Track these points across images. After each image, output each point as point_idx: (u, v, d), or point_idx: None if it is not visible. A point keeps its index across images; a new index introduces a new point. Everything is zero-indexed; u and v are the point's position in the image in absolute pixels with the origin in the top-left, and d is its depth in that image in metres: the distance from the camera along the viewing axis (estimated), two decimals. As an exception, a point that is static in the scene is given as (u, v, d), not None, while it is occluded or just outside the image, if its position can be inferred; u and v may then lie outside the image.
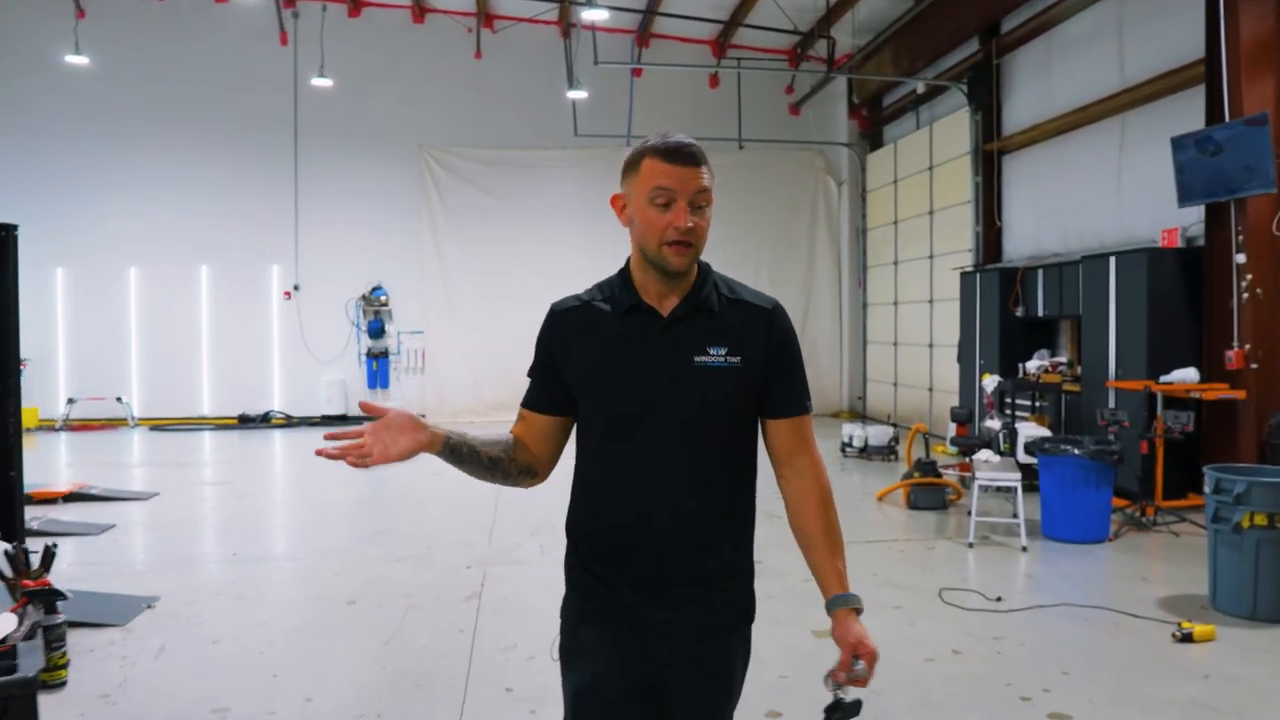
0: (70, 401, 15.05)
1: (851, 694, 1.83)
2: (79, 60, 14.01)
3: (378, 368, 15.73)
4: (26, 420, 14.66)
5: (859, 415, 15.64)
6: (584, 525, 1.95)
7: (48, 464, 11.56)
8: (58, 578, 5.85)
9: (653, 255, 1.84)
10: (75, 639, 4.80)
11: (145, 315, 15.52)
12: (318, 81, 14.59)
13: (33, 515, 7.63)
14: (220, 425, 15.04)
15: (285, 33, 15.31)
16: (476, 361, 15.58)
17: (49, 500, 8.51)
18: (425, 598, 5.43)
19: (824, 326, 16.36)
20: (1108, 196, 9.62)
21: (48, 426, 14.83)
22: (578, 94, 14.40)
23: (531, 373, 2.02)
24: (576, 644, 1.93)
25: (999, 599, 5.36)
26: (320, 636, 4.83)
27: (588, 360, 1.91)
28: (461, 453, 1.89)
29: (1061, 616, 5.12)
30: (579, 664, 1.92)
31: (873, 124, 15.48)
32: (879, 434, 10.91)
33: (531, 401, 2.01)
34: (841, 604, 1.88)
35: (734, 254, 16.06)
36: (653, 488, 1.85)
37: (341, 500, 8.66)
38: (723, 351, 1.85)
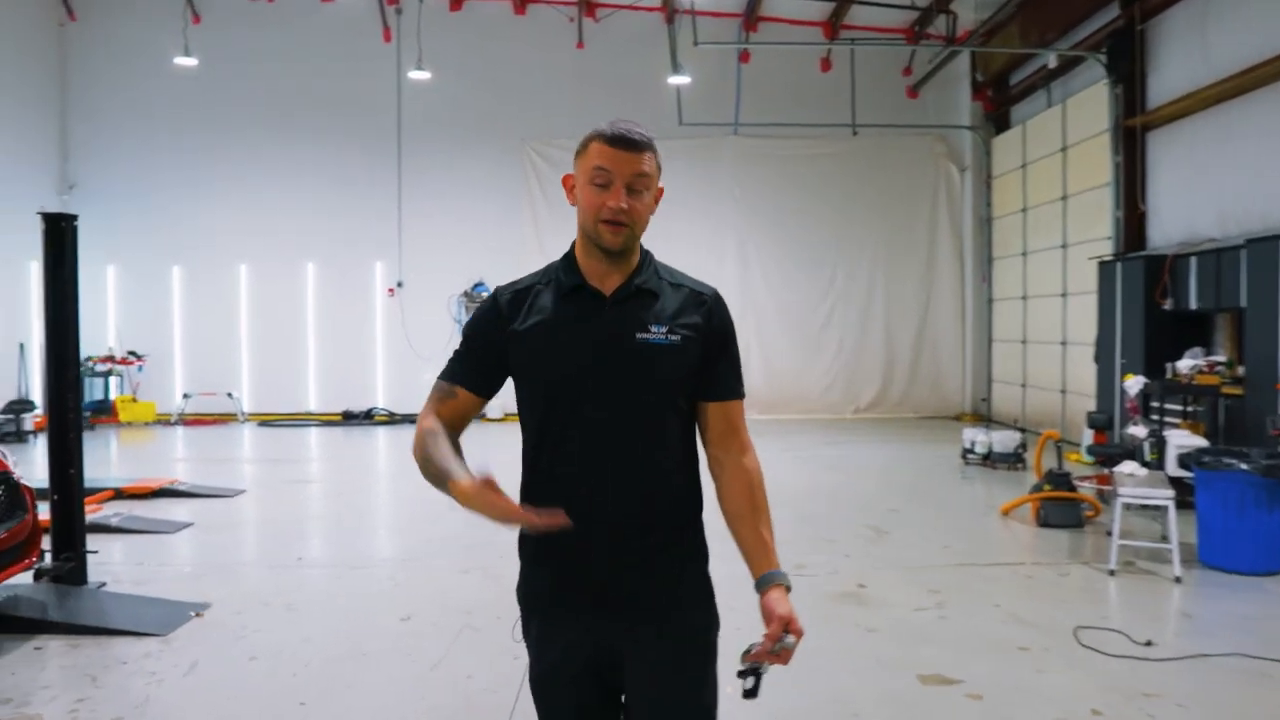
0: (185, 396, 15.39)
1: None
2: (188, 62, 14.28)
3: (479, 365, 15.48)
4: (144, 414, 15.09)
5: (983, 419, 14.53)
6: (533, 503, 1.82)
7: (156, 457, 11.72)
8: (122, 580, 5.68)
9: (591, 233, 1.90)
10: (114, 649, 4.52)
11: (254, 312, 15.75)
12: (415, 74, 14.46)
13: (115, 511, 7.57)
14: (325, 421, 15.11)
15: (389, 29, 15.26)
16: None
17: (141, 495, 8.47)
18: (484, 617, 4.93)
19: (945, 324, 15.30)
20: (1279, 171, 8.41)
21: (164, 421, 15.19)
22: (680, 80, 13.80)
23: (461, 351, 2.01)
24: (532, 626, 1.97)
25: (1149, 644, 4.48)
26: (362, 659, 4.38)
27: (533, 338, 1.91)
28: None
29: (1233, 671, 4.21)
30: (536, 648, 1.96)
31: (999, 104, 14.34)
32: (1005, 440, 9.92)
33: (463, 378, 1.99)
34: (770, 581, 1.89)
35: (848, 247, 15.21)
36: (597, 461, 1.88)
37: (428, 501, 8.29)
38: (663, 330, 1.90)
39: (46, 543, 5.50)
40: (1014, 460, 9.78)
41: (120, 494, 8.48)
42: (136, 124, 15.61)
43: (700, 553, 2.01)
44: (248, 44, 15.45)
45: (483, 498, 1.66)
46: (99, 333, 15.60)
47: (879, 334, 15.28)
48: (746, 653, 1.82)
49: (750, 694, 1.80)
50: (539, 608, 1.96)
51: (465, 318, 15.50)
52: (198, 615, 5.04)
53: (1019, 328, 13.73)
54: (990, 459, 9.88)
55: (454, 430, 1.94)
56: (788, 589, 1.90)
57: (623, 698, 1.99)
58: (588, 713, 1.96)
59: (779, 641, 1.82)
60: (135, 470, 10.70)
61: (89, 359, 15.37)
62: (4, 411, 12.98)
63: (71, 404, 5.58)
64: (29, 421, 13.35)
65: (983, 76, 14.26)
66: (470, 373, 1.98)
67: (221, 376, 15.59)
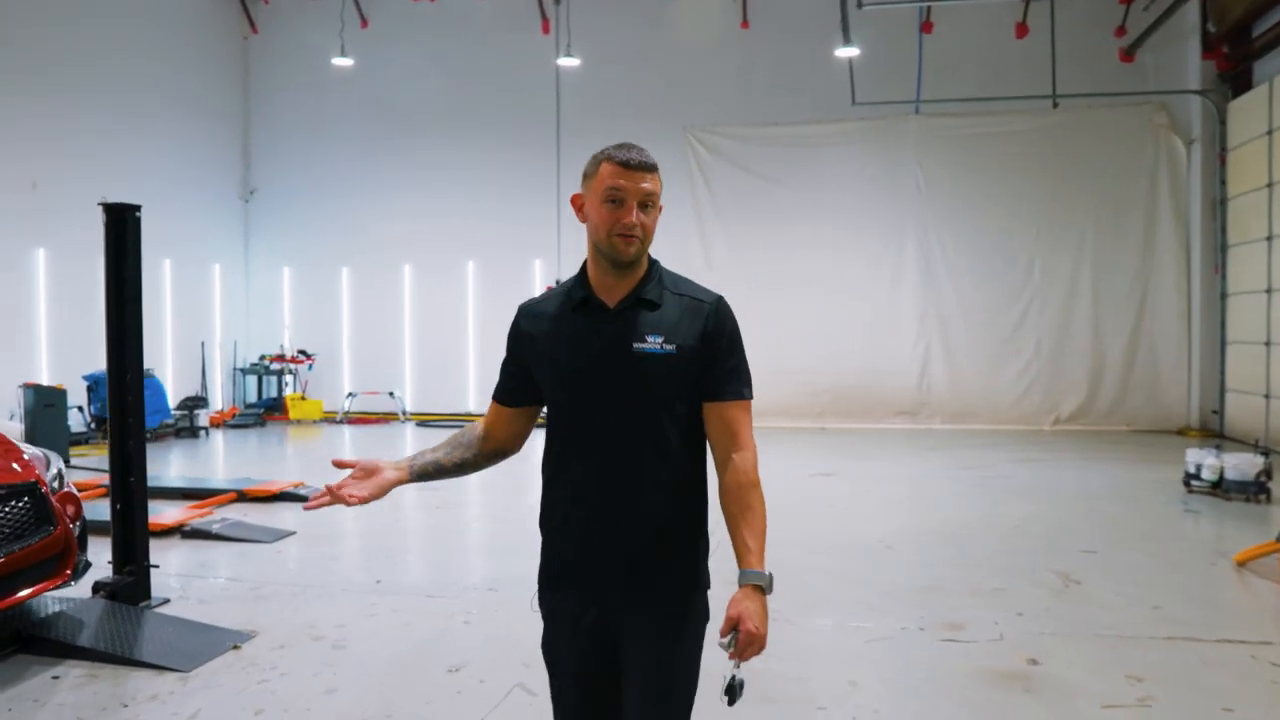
0: (350, 395, 15.57)
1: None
2: (344, 62, 14.44)
3: (638, 367, 14.76)
4: (312, 412, 15.33)
5: (1213, 436, 12.31)
6: (550, 497, 2.11)
7: (303, 456, 11.70)
8: (189, 596, 5.25)
9: (604, 247, 2.01)
10: (128, 685, 3.99)
11: (417, 312, 15.75)
12: (564, 61, 13.96)
13: (223, 516, 7.29)
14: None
15: (547, 20, 14.82)
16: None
17: (262, 498, 8.23)
18: (541, 674, 4.05)
19: (1166, 323, 13.14)
20: None
21: (330, 419, 15.41)
22: (848, 51, 12.51)
23: (503, 366, 2.20)
24: (544, 597, 2.14)
25: None
26: (381, 723, 3.62)
27: (544, 350, 2.08)
28: (430, 474, 2.20)
29: None
30: (545, 625, 2.14)
31: (1237, 61, 12.09)
32: (1242, 464, 8.05)
33: (498, 395, 2.21)
34: (748, 579, 1.95)
35: (1048, 237, 13.38)
36: (597, 465, 2.03)
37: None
38: (659, 339, 2.00)
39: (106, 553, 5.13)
40: (1254, 491, 7.92)
41: (243, 496, 8.29)
42: (309, 130, 15.98)
43: (694, 549, 2.09)
44: (411, 47, 15.47)
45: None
46: (274, 332, 16.06)
47: (1084, 334, 13.31)
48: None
49: (729, 693, 1.86)
50: (548, 579, 2.12)
51: (623, 317, 14.81)
52: (235, 648, 4.46)
53: (1261, 327, 11.47)
54: (1222, 487, 8.06)
55: (503, 432, 2.21)
56: (758, 588, 1.94)
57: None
58: (586, 679, 2.07)
59: (728, 638, 1.89)
60: (281, 469, 10.65)
61: (263, 357, 15.83)
62: (179, 407, 13.43)
63: (132, 408, 5.16)
64: (203, 418, 13.77)
65: (1216, 28, 12.08)
66: (501, 387, 2.20)
67: (385, 376, 15.67)
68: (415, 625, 4.83)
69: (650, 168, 2.01)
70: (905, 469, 9.93)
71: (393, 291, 15.78)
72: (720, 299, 2.11)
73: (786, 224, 14.09)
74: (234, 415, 14.99)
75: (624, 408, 1.99)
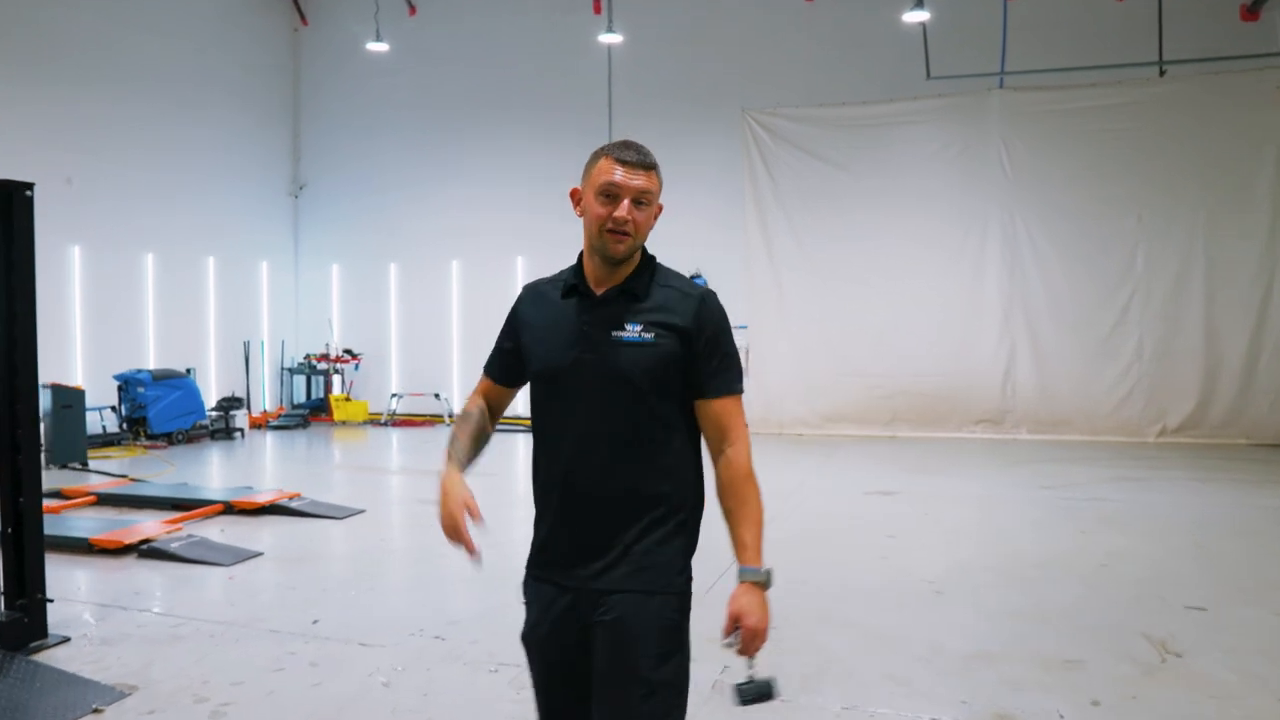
0: (395, 396, 14.96)
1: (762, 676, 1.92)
2: (379, 48, 13.91)
3: (695, 368, 13.73)
4: (356, 414, 14.77)
5: (1353, 450, 10.62)
6: (532, 483, 2.17)
7: (336, 462, 11.06)
8: (92, 636, 4.48)
9: (596, 242, 2.03)
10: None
11: (465, 309, 15.05)
12: (608, 38, 13.06)
13: (191, 533, 6.57)
14: (529, 428, 14.02)
15: (598, 1, 13.92)
16: (811, 363, 13.01)
17: (249, 511, 7.53)
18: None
19: (1294, 319, 11.47)
20: None
21: (375, 420, 14.82)
22: (918, 16, 11.25)
23: (497, 343, 2.25)
24: (525, 592, 2.14)
25: None
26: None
27: (532, 332, 2.14)
28: (475, 459, 2.23)
29: None
30: (528, 610, 2.13)
31: (1385, 16, 10.40)
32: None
33: (497, 375, 2.28)
34: (745, 576, 2.00)
35: (1153, 223, 11.87)
36: (576, 449, 2.03)
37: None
38: (638, 328, 2.02)
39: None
40: None
41: (230, 508, 7.60)
42: (359, 123, 15.48)
43: (676, 538, 2.06)
44: (460, 33, 14.82)
45: (451, 506, 2.04)
46: (323, 331, 15.57)
47: (1195, 334, 11.70)
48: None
49: (756, 694, 1.94)
50: (531, 565, 2.13)
51: (679, 315, 13.80)
52: (96, 711, 3.65)
53: None
54: (1369, 518, 6.64)
55: (497, 412, 2.31)
56: (757, 584, 1.98)
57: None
58: (555, 668, 2.07)
59: (730, 637, 1.95)
60: (296, 477, 10.02)
61: (308, 357, 15.36)
62: (215, 409, 12.99)
63: (24, 417, 4.42)
64: (240, 419, 13.31)
65: (1358, -21, 10.42)
66: (493, 363, 2.27)
67: (432, 376, 15.02)
68: (325, 686, 3.94)
69: (647, 166, 2.04)
70: (978, 487, 8.66)
71: (440, 289, 15.11)
72: (708, 292, 2.12)
73: (854, 213, 12.86)
74: (278, 416, 14.54)
75: (603, 394, 2.02)
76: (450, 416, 14.63)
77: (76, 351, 12.12)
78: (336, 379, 15.33)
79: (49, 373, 11.20)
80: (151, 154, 13.09)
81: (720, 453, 2.07)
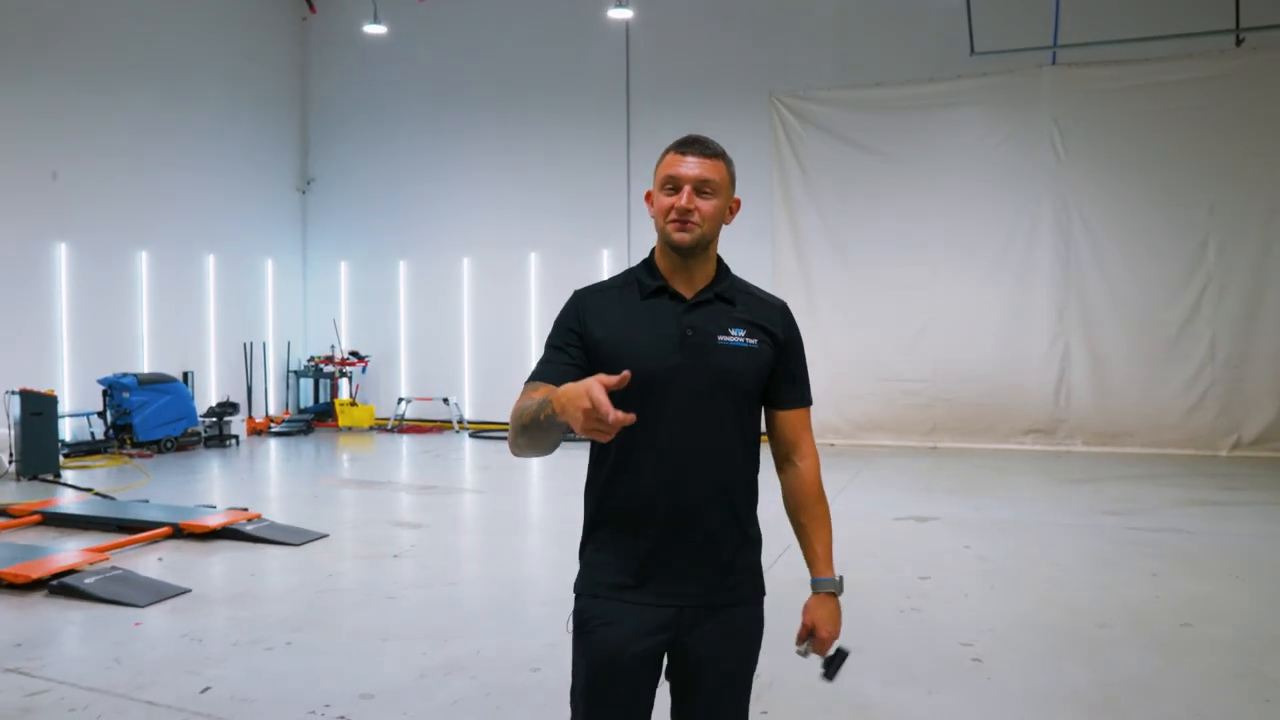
0: (403, 401, 14.18)
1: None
2: (377, 30, 13.14)
3: (719, 372, 12.76)
4: (362, 419, 13.99)
5: None
6: (605, 498, 1.99)
7: (324, 475, 10.27)
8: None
9: (663, 234, 1.97)
10: None
11: (476, 309, 14.23)
12: (616, 13, 12.17)
13: (114, 566, 5.77)
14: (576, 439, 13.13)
15: (616, -23, 13.00)
16: (841, 367, 11.94)
17: (199, 535, 6.73)
18: None
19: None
20: None
21: (381, 426, 14.05)
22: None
23: (547, 355, 2.01)
24: (594, 615, 1.96)
25: None
26: None
27: (616, 333, 1.97)
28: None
29: None
30: (597, 634, 1.95)
31: None
32: None
33: (551, 378, 1.91)
34: (821, 587, 2.06)
35: (1226, 211, 10.71)
36: (674, 458, 1.93)
37: (537, 581, 5.80)
38: (742, 333, 1.98)
39: None
40: None
41: (179, 531, 6.81)
42: (369, 116, 14.74)
43: (758, 548, 2.07)
44: (472, 20, 14.00)
45: (577, 389, 1.58)
46: (330, 331, 14.85)
47: (1275, 334, 10.45)
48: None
49: (828, 669, 2.08)
50: (603, 592, 1.97)
51: (701, 315, 12.82)
52: None
53: None
54: None
55: None
56: (832, 594, 2.06)
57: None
58: (641, 690, 1.96)
59: (804, 642, 2.05)
60: (274, 492, 9.26)
61: (312, 359, 14.66)
62: (206, 414, 12.29)
63: None
64: (235, 425, 12.61)
65: None
66: (551, 372, 1.95)
67: (441, 380, 14.21)
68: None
69: (710, 154, 1.97)
70: (1029, 512, 7.57)
71: (450, 287, 14.29)
72: (786, 304, 2.13)
73: (891, 204, 11.78)
74: (281, 421, 13.83)
75: (702, 400, 1.94)
76: (460, 423, 13.81)
77: (63, 354, 11.48)
78: (344, 382, 14.60)
79: (31, 377, 10.62)
80: (146, 146, 12.42)
81: (791, 465, 2.10)
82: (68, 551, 5.98)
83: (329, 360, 14.44)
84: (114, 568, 5.70)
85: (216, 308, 13.61)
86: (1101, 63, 10.87)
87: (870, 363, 11.87)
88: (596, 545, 2.01)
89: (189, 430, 11.83)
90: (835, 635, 2.04)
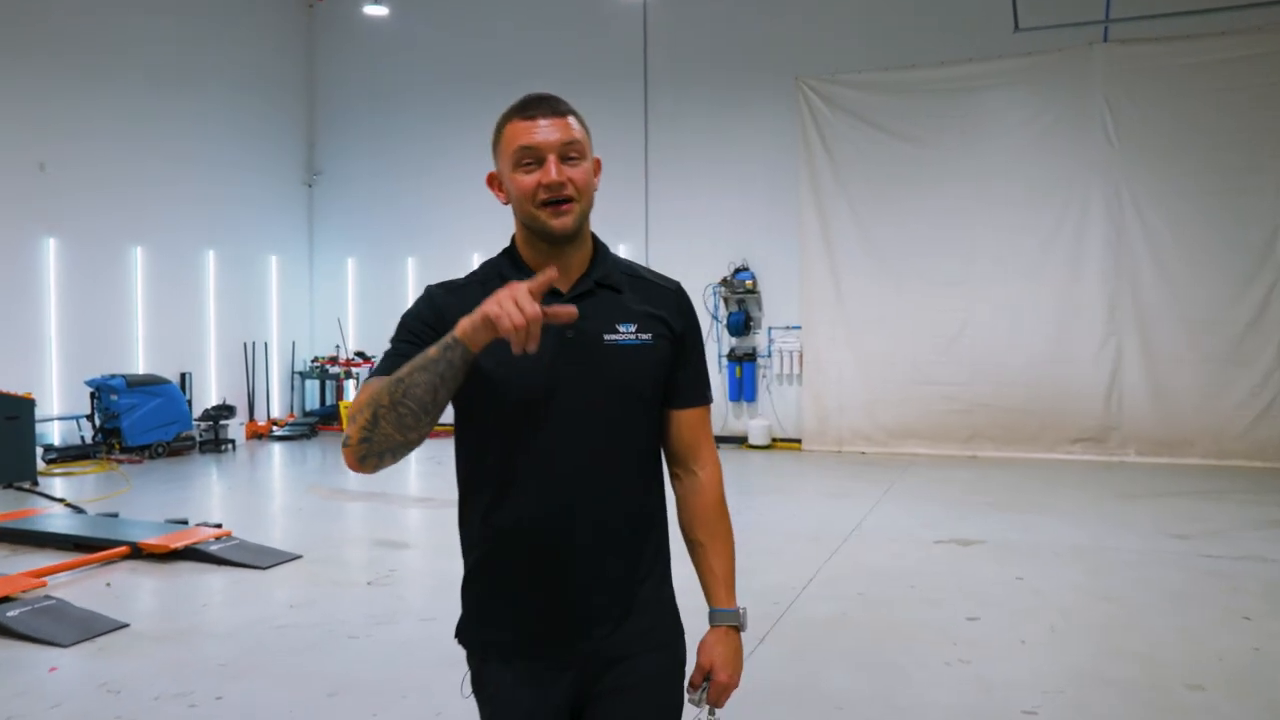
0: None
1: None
2: (378, 11, 12.47)
3: (741, 374, 12.04)
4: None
5: None
6: (484, 538, 1.68)
7: (310, 483, 9.64)
8: None
9: (531, 222, 1.64)
10: None
11: (486, 308, 13.56)
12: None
13: (48, 595, 5.12)
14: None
15: (632, -44, 12.28)
16: (875, 370, 11.18)
17: (159, 555, 6.09)
18: None
19: None
20: None
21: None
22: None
23: (391, 354, 1.62)
24: (489, 681, 1.69)
25: None
26: None
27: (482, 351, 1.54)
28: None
29: None
30: (496, 702, 1.69)
31: None
32: None
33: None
34: (721, 619, 1.76)
35: (1250, 210, 9.69)
36: (563, 484, 1.64)
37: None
38: (633, 329, 1.69)
39: None
40: None
41: (137, 551, 6.16)
42: (377, 106, 14.14)
43: (667, 571, 1.79)
44: (480, 6, 13.33)
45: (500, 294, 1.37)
46: (335, 331, 14.24)
47: (1355, 335, 9.55)
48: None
49: None
50: (493, 656, 1.68)
51: (724, 313, 12.11)
52: None
53: None
54: None
55: None
56: (734, 629, 1.77)
57: None
58: None
59: (698, 689, 1.74)
60: (258, 503, 8.64)
61: (316, 360, 14.06)
62: (201, 418, 11.70)
63: None
64: (232, 429, 12.01)
65: None
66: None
67: (449, 382, 13.57)
68: None
69: (563, 110, 1.66)
70: (1085, 534, 6.73)
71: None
72: (680, 285, 1.80)
73: (927, 194, 10.95)
74: (284, 425, 13.23)
75: (592, 414, 1.64)
76: (469, 427, 13.15)
77: (51, 354, 10.92)
78: (350, 384, 13.99)
79: (16, 378, 10.07)
80: (140, 138, 11.85)
81: (688, 473, 1.80)
82: (30, 567, 5.33)
83: (334, 361, 13.83)
84: (48, 597, 5.04)
85: (217, 306, 13.04)
86: (1158, 39, 9.98)
87: (904, 364, 11.06)
88: (478, 592, 1.70)
89: (182, 435, 11.24)
90: (736, 681, 1.74)
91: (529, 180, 1.60)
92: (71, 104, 11.01)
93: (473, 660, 1.71)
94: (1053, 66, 10.42)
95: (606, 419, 1.65)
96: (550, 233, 1.61)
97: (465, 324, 1.39)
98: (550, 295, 1.59)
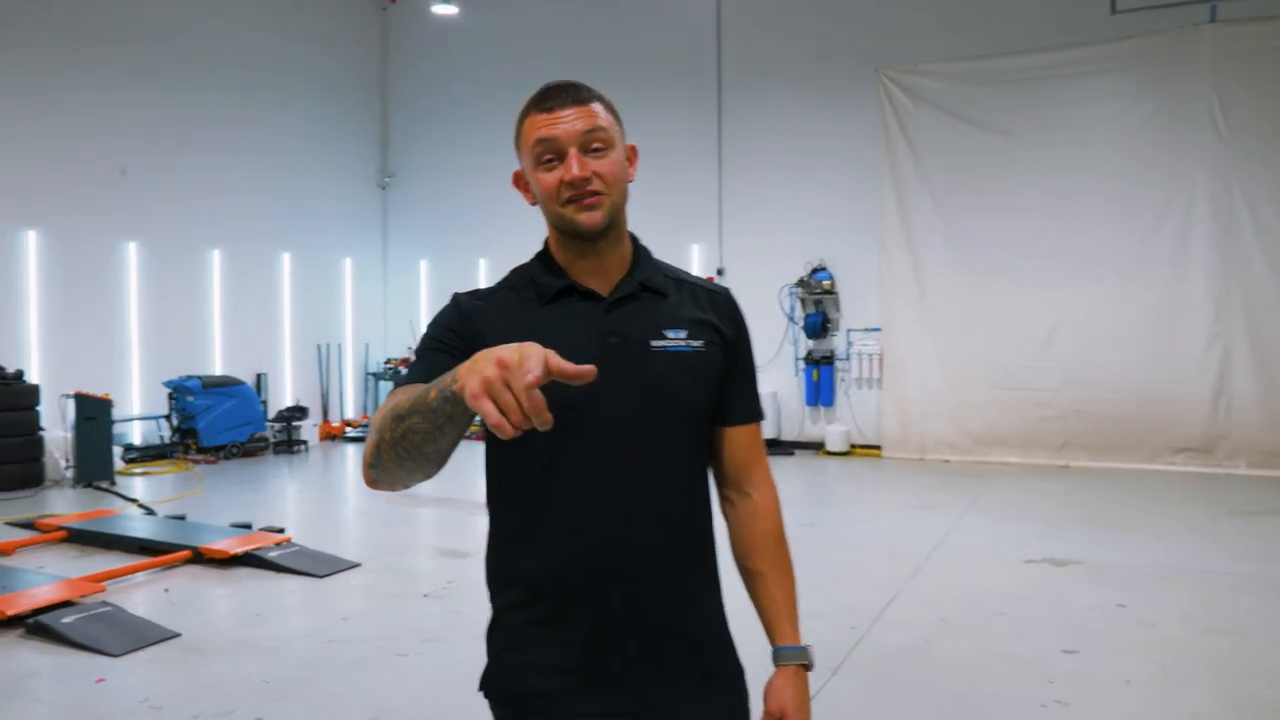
0: (481, 406, 13.47)
1: None
2: (448, 10, 12.39)
3: (819, 378, 11.62)
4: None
5: None
6: (516, 567, 1.51)
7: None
8: None
9: (560, 222, 1.51)
10: None
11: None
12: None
13: (104, 601, 5.05)
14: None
15: (704, -54, 11.98)
16: (960, 374, 10.66)
17: (219, 561, 6.02)
18: None
19: None
20: None
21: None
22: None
23: (431, 351, 1.49)
24: None
25: None
26: None
27: None
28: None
29: None
30: None
31: None
32: None
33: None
34: (788, 658, 1.58)
35: None
36: (606, 510, 1.47)
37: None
38: (682, 334, 1.54)
39: None
40: None
41: (199, 556, 6.11)
42: (450, 106, 14.13)
43: (722, 605, 1.61)
44: (552, 3, 13.17)
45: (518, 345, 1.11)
46: (407, 333, 14.26)
47: None
48: None
49: None
50: (532, 705, 1.48)
51: (800, 314, 11.71)
52: None
53: None
54: None
55: None
56: (803, 667, 1.58)
57: None
58: None
59: None
60: (328, 506, 8.60)
61: (388, 361, 14.09)
62: (274, 420, 11.79)
63: None
64: (305, 430, 12.07)
65: None
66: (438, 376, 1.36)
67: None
68: None
69: (583, 98, 1.49)
70: (1193, 555, 6.17)
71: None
72: (729, 290, 1.68)
73: (1017, 189, 10.39)
74: (357, 426, 13.29)
75: (637, 427, 1.48)
76: (539, 430, 13.01)
77: (132, 356, 11.12)
78: (422, 386, 13.98)
79: (100, 379, 10.27)
80: (219, 142, 12.01)
81: (742, 496, 1.64)
82: (60, 582, 5.29)
83: (406, 362, 13.84)
84: (104, 603, 4.98)
85: (292, 308, 13.16)
86: (1272, 17, 9.26)
87: (991, 368, 10.51)
88: (510, 633, 1.52)
89: (255, 435, 11.33)
90: None
91: (551, 178, 1.48)
92: (151, 110, 11.19)
93: (505, 711, 1.53)
94: (1154, 51, 9.76)
95: (654, 435, 1.51)
96: (579, 229, 1.48)
97: (464, 374, 1.14)
98: (591, 300, 1.51)
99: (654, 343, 1.50)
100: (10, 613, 4.72)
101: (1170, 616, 4.83)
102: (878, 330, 11.34)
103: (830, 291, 11.55)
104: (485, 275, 13.85)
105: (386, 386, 14.37)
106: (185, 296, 11.73)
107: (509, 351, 1.09)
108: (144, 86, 11.12)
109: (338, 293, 13.99)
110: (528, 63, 13.35)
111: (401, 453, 1.25)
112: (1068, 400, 10.13)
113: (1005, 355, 10.42)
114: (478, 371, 1.09)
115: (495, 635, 1.55)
